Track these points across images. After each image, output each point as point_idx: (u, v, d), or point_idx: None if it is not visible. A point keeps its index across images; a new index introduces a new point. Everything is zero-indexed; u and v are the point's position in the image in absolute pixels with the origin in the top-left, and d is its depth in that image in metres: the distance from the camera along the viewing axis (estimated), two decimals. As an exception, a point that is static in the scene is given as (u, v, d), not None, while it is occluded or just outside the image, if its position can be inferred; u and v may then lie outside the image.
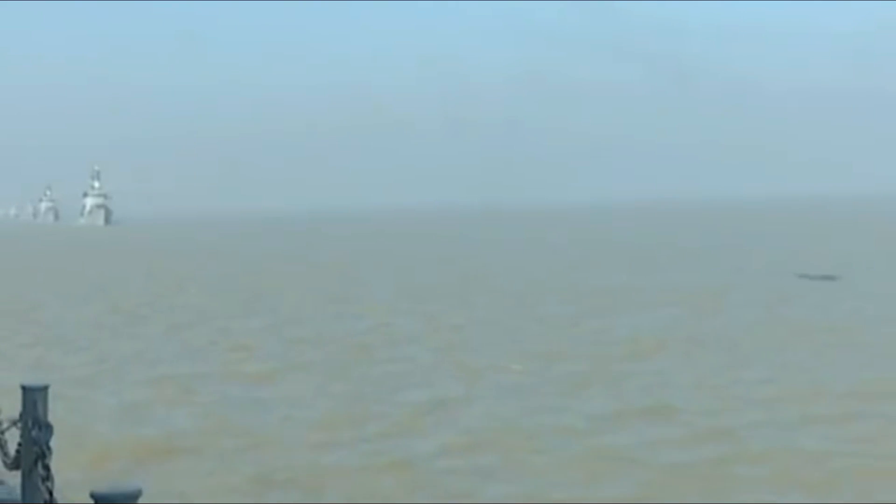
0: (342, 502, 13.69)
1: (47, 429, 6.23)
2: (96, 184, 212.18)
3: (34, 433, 6.26)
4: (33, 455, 6.02)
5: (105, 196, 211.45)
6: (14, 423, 7.01)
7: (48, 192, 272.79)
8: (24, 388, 6.83)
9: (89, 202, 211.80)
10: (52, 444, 6.22)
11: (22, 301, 41.71)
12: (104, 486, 4.43)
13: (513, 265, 57.37)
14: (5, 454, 7.46)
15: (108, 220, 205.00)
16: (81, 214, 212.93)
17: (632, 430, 16.92)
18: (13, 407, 7.51)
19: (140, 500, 4.37)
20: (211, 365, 24.39)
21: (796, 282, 43.16)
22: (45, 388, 6.84)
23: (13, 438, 7.25)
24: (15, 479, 7.52)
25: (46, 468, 5.61)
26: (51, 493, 5.36)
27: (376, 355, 25.13)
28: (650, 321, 30.69)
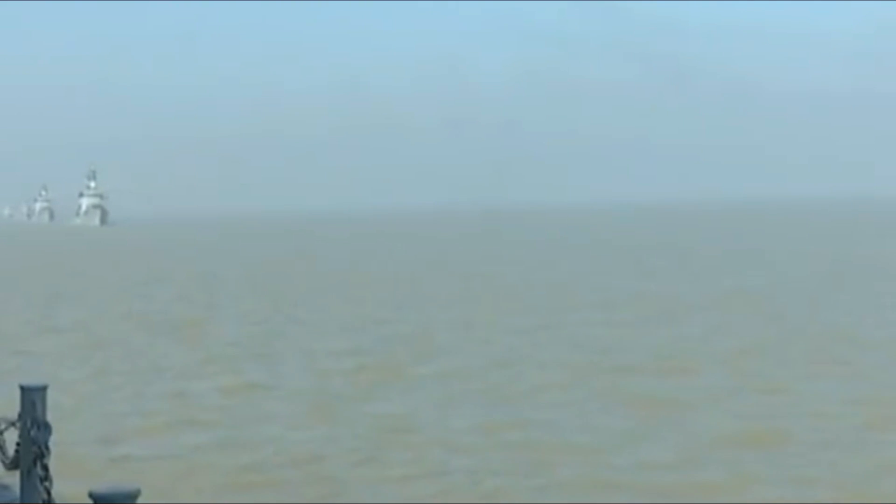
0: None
1: (46, 429, 6.21)
2: (92, 184, 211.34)
3: (33, 433, 6.25)
4: (32, 455, 6.02)
5: (101, 196, 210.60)
6: (12, 424, 7.01)
7: (43, 192, 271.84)
8: (23, 389, 6.82)
9: (85, 202, 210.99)
10: (51, 444, 6.22)
11: (32, 305, 39.59)
12: (103, 486, 4.42)
13: (531, 269, 55.21)
14: (4, 454, 7.46)
15: (104, 220, 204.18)
16: (77, 214, 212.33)
17: (731, 464, 14.64)
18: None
19: (139, 500, 4.37)
20: (242, 378, 22.16)
21: (829, 285, 40.89)
22: (43, 388, 6.83)
23: (11, 439, 7.25)
24: (14, 478, 7.51)
25: (45, 468, 5.61)
26: (49, 493, 5.37)
27: (424, 369, 22.87)
28: (700, 329, 28.62)
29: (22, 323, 33.64)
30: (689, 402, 18.78)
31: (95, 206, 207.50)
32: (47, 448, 5.92)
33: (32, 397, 6.67)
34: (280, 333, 29.98)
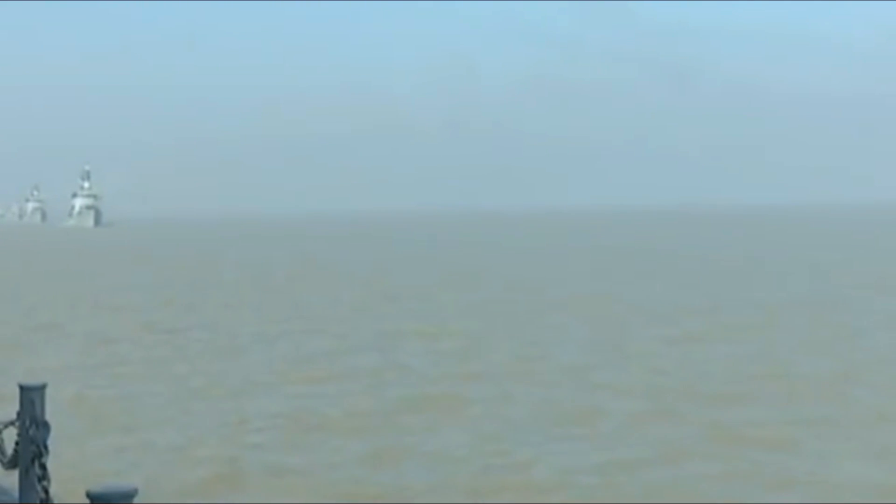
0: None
1: (45, 428, 6.24)
2: (86, 184, 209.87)
3: (31, 432, 6.28)
4: (30, 454, 6.04)
5: (95, 196, 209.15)
6: (12, 423, 7.03)
7: (35, 192, 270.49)
8: (22, 388, 6.84)
9: (78, 203, 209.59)
10: (49, 443, 6.24)
11: (35, 313, 36.05)
12: (100, 486, 4.43)
13: (553, 276, 51.65)
14: (3, 453, 7.48)
15: (97, 221, 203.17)
16: (70, 215, 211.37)
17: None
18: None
19: (136, 500, 4.40)
20: (284, 404, 18.92)
21: (874, 299, 36.95)
22: (42, 387, 6.86)
23: (10, 438, 7.28)
24: (12, 478, 7.53)
25: (43, 467, 5.64)
26: (47, 492, 5.40)
27: (487, 398, 19.31)
28: (778, 346, 25.24)
29: (39, 335, 30.00)
30: (820, 447, 15.23)
31: (89, 207, 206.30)
32: (46, 447, 5.95)
33: (31, 396, 6.70)
34: (308, 347, 26.56)
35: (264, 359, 24.80)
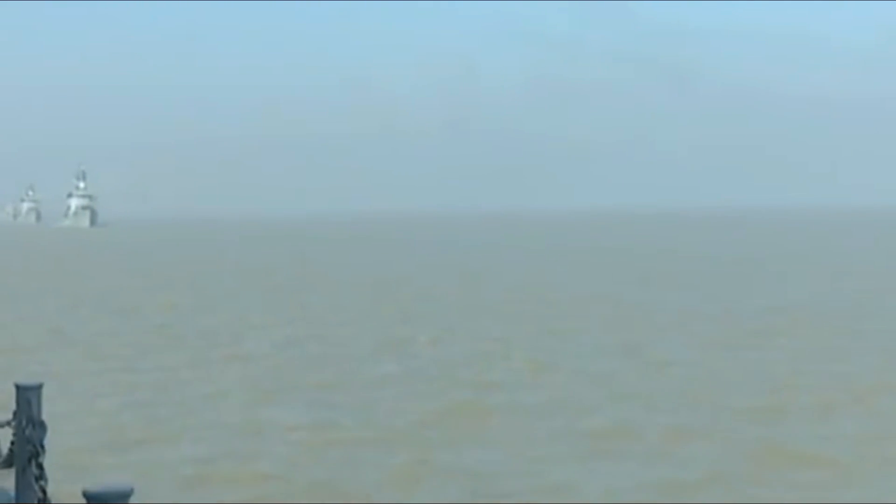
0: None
1: (41, 427, 6.23)
2: (81, 184, 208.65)
3: (28, 432, 6.26)
4: (27, 454, 6.03)
5: (91, 197, 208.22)
6: (8, 423, 7.01)
7: (30, 192, 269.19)
8: (18, 387, 6.82)
9: (74, 203, 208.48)
10: (45, 442, 6.24)
11: (34, 315, 35.17)
12: (96, 485, 4.43)
13: (557, 278, 50.83)
14: (-2, 453, 7.47)
15: (93, 221, 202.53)
16: (65, 215, 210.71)
17: None
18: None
19: (131, 500, 4.40)
20: (301, 415, 17.98)
21: (884, 303, 35.94)
22: (39, 387, 6.84)
23: (6, 438, 7.25)
24: (9, 477, 7.51)
25: (40, 467, 5.64)
26: (44, 492, 5.40)
27: (495, 404, 18.59)
28: (805, 355, 24.29)
29: (51, 337, 29.16)
30: (872, 467, 14.33)
31: (84, 208, 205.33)
32: (42, 447, 5.94)
33: (28, 396, 6.68)
34: (316, 356, 25.44)
35: (273, 364, 24.01)
